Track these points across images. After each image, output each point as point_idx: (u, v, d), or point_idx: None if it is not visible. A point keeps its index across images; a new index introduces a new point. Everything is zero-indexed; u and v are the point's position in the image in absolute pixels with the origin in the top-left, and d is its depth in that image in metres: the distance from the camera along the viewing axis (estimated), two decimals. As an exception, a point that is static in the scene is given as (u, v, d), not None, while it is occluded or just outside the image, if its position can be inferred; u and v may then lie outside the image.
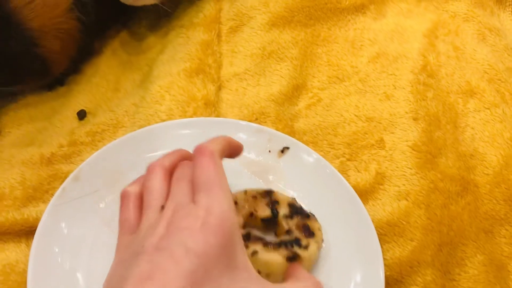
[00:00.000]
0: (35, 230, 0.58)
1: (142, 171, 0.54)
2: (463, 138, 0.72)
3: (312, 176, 0.65)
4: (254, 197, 0.62)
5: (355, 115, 0.74)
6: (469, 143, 0.71)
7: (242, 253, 0.45)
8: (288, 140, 0.68)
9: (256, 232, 0.60)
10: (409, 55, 0.81)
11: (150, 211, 0.47)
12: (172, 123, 0.70)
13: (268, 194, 0.62)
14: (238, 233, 0.45)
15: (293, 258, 0.55)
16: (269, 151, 0.68)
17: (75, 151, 0.71)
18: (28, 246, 0.61)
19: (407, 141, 0.70)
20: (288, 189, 0.65)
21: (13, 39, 0.68)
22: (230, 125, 0.70)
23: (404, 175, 0.67)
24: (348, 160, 0.69)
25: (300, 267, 0.54)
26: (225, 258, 0.42)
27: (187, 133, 0.68)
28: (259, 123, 0.72)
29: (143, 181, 0.51)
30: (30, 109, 0.77)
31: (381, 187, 0.67)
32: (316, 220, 0.61)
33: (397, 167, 0.68)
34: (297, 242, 0.57)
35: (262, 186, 0.65)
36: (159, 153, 0.65)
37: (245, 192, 0.62)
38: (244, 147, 0.60)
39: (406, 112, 0.73)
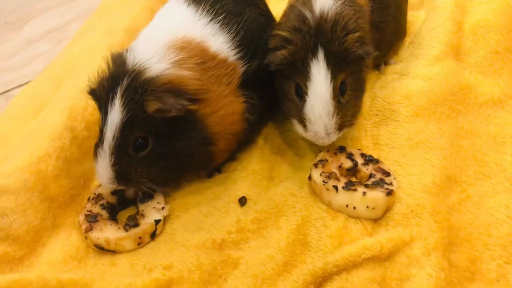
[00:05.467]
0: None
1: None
2: None
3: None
4: (335, 153, 0.82)
5: (507, 216, 0.76)
6: None
7: None
8: None
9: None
10: (557, 155, 0.83)
11: None
12: None
13: (343, 149, 0.83)
14: None
15: (389, 193, 0.75)
16: None
17: (243, 238, 0.77)
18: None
19: None
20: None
21: (194, 139, 0.76)
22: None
23: None
24: (506, 263, 0.71)
25: None
26: None
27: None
28: (415, 215, 0.76)
29: None
30: (195, 195, 0.84)
31: (547, 295, 0.68)
32: (383, 162, 0.81)
33: (561, 275, 0.69)
34: (383, 181, 0.78)
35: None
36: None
37: (328, 150, 0.83)
38: None
39: (562, 216, 0.75)
